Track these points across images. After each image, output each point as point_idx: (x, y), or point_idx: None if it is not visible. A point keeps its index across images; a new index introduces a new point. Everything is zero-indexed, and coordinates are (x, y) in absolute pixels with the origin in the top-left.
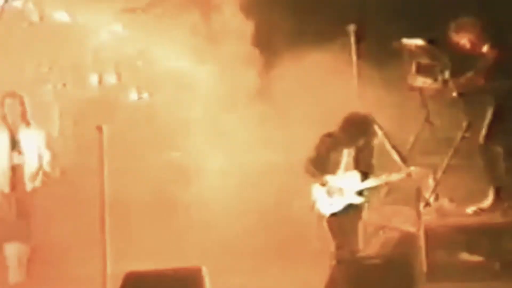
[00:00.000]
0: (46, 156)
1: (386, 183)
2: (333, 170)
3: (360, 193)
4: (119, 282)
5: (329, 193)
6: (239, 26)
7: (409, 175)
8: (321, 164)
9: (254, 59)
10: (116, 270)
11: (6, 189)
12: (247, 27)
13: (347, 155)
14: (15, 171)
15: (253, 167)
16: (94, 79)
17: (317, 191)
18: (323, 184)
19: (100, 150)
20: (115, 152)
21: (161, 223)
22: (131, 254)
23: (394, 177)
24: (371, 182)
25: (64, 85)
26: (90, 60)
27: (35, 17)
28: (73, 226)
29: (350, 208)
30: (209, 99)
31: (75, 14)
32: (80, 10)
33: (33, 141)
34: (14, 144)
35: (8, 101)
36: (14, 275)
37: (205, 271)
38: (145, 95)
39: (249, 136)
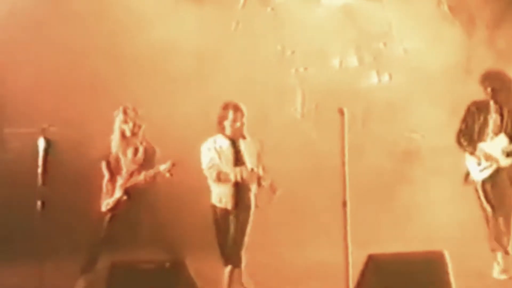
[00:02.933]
0: (260, 170)
1: None
2: (482, 137)
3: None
4: (361, 266)
5: (479, 160)
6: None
7: None
8: (470, 133)
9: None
10: (358, 254)
11: (229, 205)
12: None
13: (493, 118)
14: (237, 185)
15: None
16: (335, 62)
17: (468, 161)
18: (472, 153)
19: (342, 133)
20: (356, 134)
21: (402, 205)
22: (373, 237)
23: None
24: None
25: (306, 68)
26: (332, 43)
27: (277, 1)
28: (313, 210)
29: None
30: (441, 83)
31: None
32: None
33: (249, 153)
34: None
35: (229, 112)
36: None
37: (447, 255)
38: (385, 77)
39: None
